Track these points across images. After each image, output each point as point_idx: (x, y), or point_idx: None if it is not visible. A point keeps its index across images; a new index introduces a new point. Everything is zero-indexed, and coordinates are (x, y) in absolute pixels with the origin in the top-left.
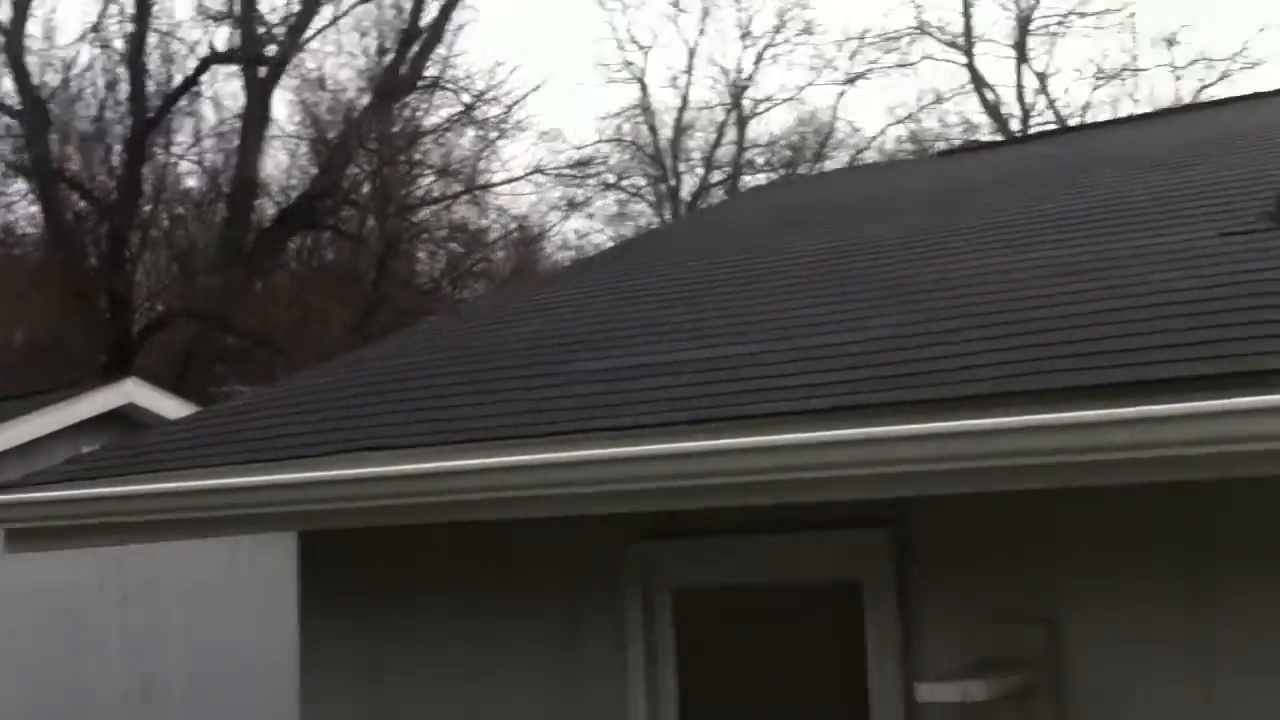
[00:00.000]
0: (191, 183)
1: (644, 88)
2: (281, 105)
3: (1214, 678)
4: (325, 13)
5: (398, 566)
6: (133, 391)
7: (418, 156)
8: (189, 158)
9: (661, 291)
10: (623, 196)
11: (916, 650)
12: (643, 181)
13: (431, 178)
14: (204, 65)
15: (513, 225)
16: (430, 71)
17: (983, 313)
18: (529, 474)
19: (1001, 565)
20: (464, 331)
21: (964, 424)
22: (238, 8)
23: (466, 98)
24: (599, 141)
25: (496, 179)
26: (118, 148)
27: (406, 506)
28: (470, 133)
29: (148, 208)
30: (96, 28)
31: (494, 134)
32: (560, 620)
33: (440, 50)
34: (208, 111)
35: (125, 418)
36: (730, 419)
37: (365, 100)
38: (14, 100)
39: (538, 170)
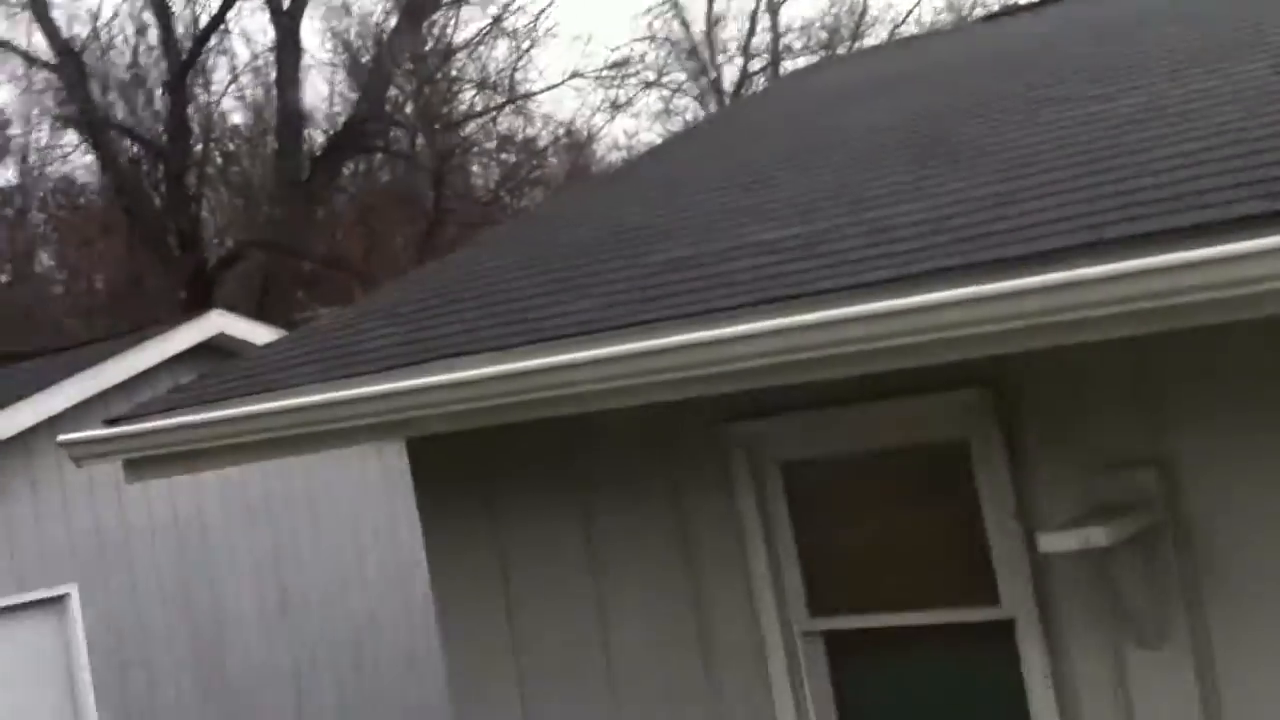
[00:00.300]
0: (237, 119)
1: None
2: (311, 35)
3: None
4: None
5: (508, 468)
6: (220, 322)
7: (454, 73)
8: (231, 95)
9: (722, 178)
10: (665, 93)
11: (1031, 505)
12: (683, 77)
13: (472, 92)
14: (229, 2)
15: (560, 131)
16: None
17: (1054, 168)
18: (621, 364)
19: (1109, 413)
20: (534, 235)
21: (1060, 276)
22: None
23: (494, 9)
24: (632, 41)
25: (536, 88)
26: (158, 92)
27: (506, 406)
28: (502, 44)
29: (198, 147)
30: None
31: (526, 43)
32: (672, 508)
33: None
34: (240, 48)
35: (217, 348)
36: (813, 294)
37: (393, 22)
38: (47, 55)
39: (576, 74)
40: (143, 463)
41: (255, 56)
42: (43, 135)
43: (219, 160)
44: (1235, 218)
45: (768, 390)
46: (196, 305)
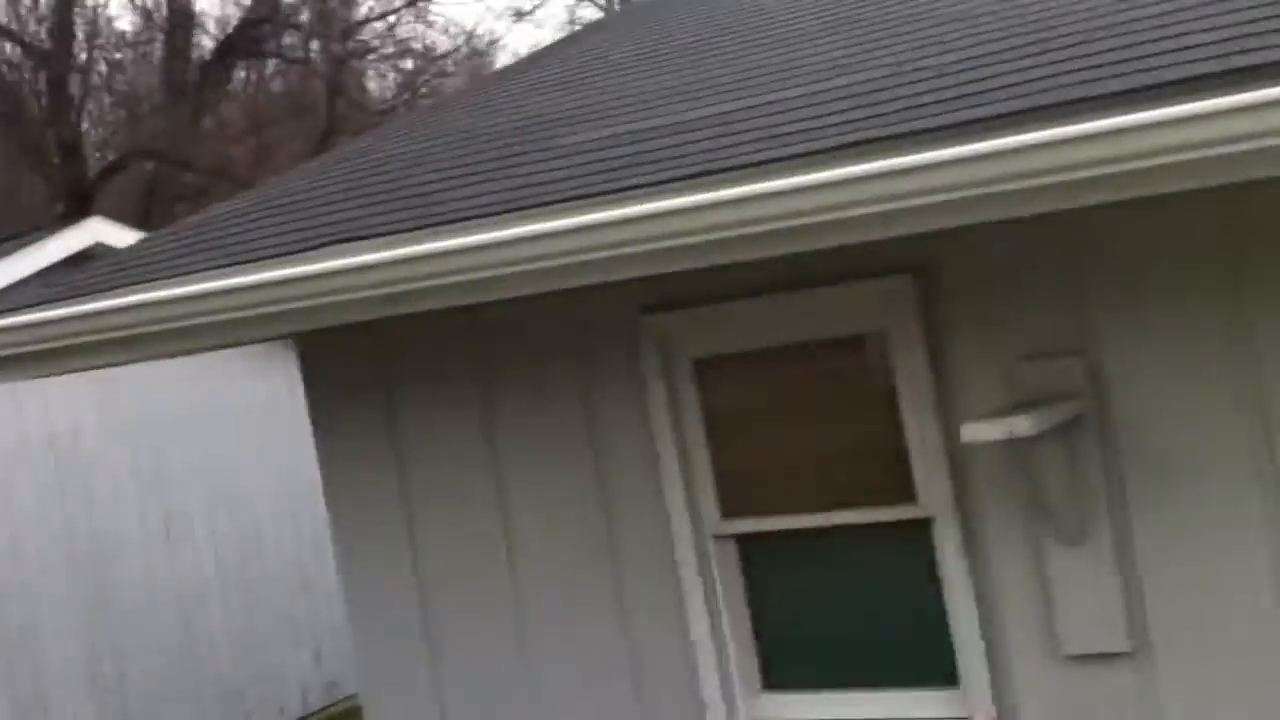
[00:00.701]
0: (123, 26)
1: None
2: None
3: (1263, 400)
4: None
5: (406, 366)
6: (100, 230)
7: None
8: None
9: (650, 59)
10: (569, 1)
11: (951, 398)
12: None
13: None
14: None
15: (461, 40)
16: None
17: (992, 39)
18: (526, 246)
19: (1032, 303)
20: (441, 121)
21: (994, 143)
22: None
23: None
24: None
25: None
26: None
27: (403, 294)
28: None
29: (83, 55)
30: None
31: None
32: (580, 404)
33: None
34: None
35: (95, 259)
36: (737, 168)
37: None
38: None
39: None
40: (9, 361)
41: None
42: None
43: (103, 69)
44: (1170, 81)
45: (680, 282)
46: (76, 218)
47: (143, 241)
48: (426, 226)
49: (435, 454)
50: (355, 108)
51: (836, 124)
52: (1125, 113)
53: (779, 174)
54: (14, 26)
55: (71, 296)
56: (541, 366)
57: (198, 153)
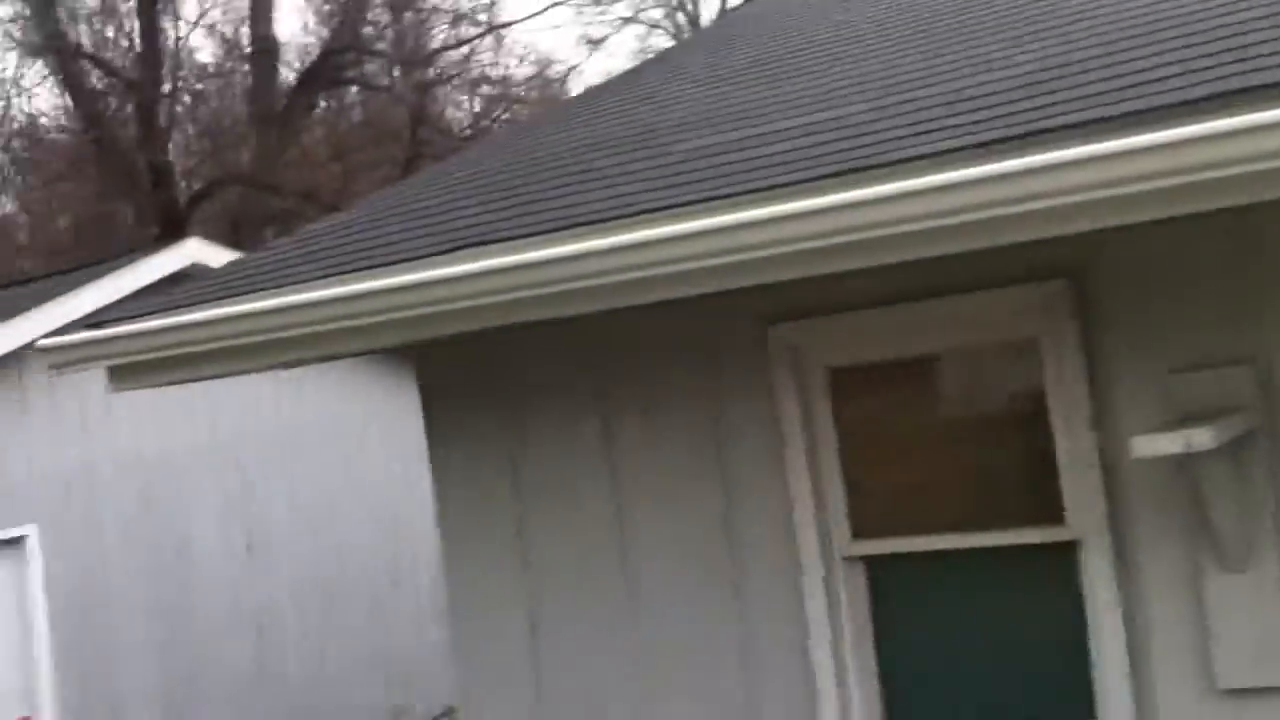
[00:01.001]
0: (202, 58)
1: None
2: None
3: None
4: None
5: (525, 378)
6: (197, 251)
7: (432, 3)
8: (202, 26)
9: (743, 73)
10: (641, 30)
11: (1108, 411)
12: (659, 14)
13: (454, 20)
14: None
15: (535, 65)
16: None
17: (1119, 37)
18: (654, 250)
19: (1196, 308)
20: (541, 138)
21: (1153, 136)
22: None
23: None
24: None
25: (518, 17)
26: (126, 23)
27: (531, 299)
28: None
29: (166, 86)
30: None
31: None
32: (707, 419)
33: None
34: None
35: (192, 279)
36: (872, 167)
37: None
38: None
39: (558, 3)
40: (127, 370)
41: None
42: (7, 67)
43: (187, 99)
44: None
45: (814, 288)
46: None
47: (260, 251)
48: (548, 232)
49: (552, 470)
50: (438, 133)
51: (976, 123)
52: None
53: (924, 172)
54: (104, 54)
55: (191, 304)
56: (663, 378)
57: (284, 179)
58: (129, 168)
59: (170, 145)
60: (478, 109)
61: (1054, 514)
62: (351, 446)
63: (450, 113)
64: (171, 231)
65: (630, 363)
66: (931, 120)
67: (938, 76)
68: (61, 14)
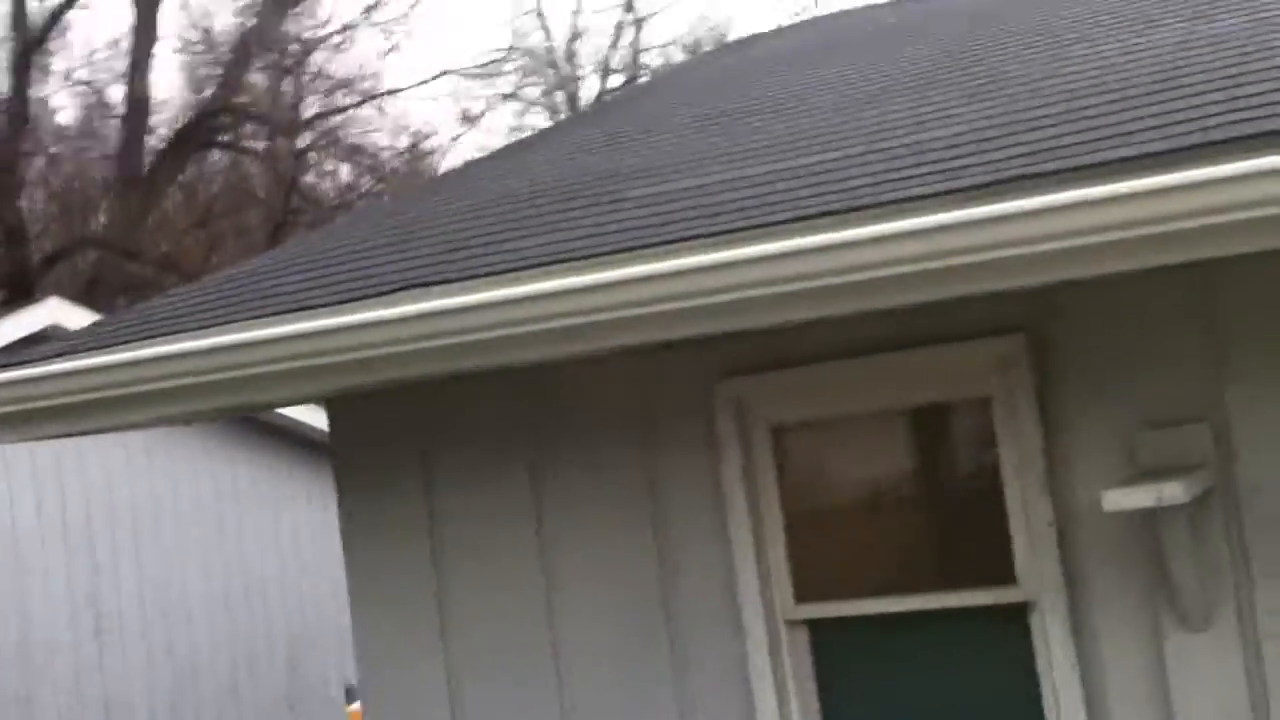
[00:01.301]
0: (61, 119)
1: None
2: (171, 19)
3: None
4: None
5: (446, 432)
6: (57, 310)
7: (316, 68)
8: (75, 80)
9: (688, 125)
10: (518, 107)
11: (1061, 465)
12: (537, 92)
13: (332, 88)
14: None
15: (408, 140)
16: None
17: (1075, 94)
18: (591, 296)
19: (1154, 365)
20: (472, 186)
21: (1119, 186)
22: None
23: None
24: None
25: (402, 85)
26: None
27: (450, 347)
28: (367, 39)
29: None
30: None
31: (394, 36)
32: (643, 474)
33: None
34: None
35: (51, 340)
36: (823, 214)
37: (258, 8)
38: None
39: (446, 72)
40: (18, 417)
41: (115, 42)
42: None
43: (43, 160)
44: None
45: (757, 344)
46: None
47: (165, 296)
48: (482, 276)
49: (472, 527)
50: (307, 202)
51: (927, 172)
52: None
53: (880, 220)
54: None
55: (91, 348)
56: (598, 433)
57: (145, 244)
58: None
59: (31, 197)
60: (346, 180)
61: (1005, 574)
62: (213, 532)
63: (320, 183)
64: (21, 292)
65: (563, 418)
66: (890, 170)
67: (899, 128)
68: None
